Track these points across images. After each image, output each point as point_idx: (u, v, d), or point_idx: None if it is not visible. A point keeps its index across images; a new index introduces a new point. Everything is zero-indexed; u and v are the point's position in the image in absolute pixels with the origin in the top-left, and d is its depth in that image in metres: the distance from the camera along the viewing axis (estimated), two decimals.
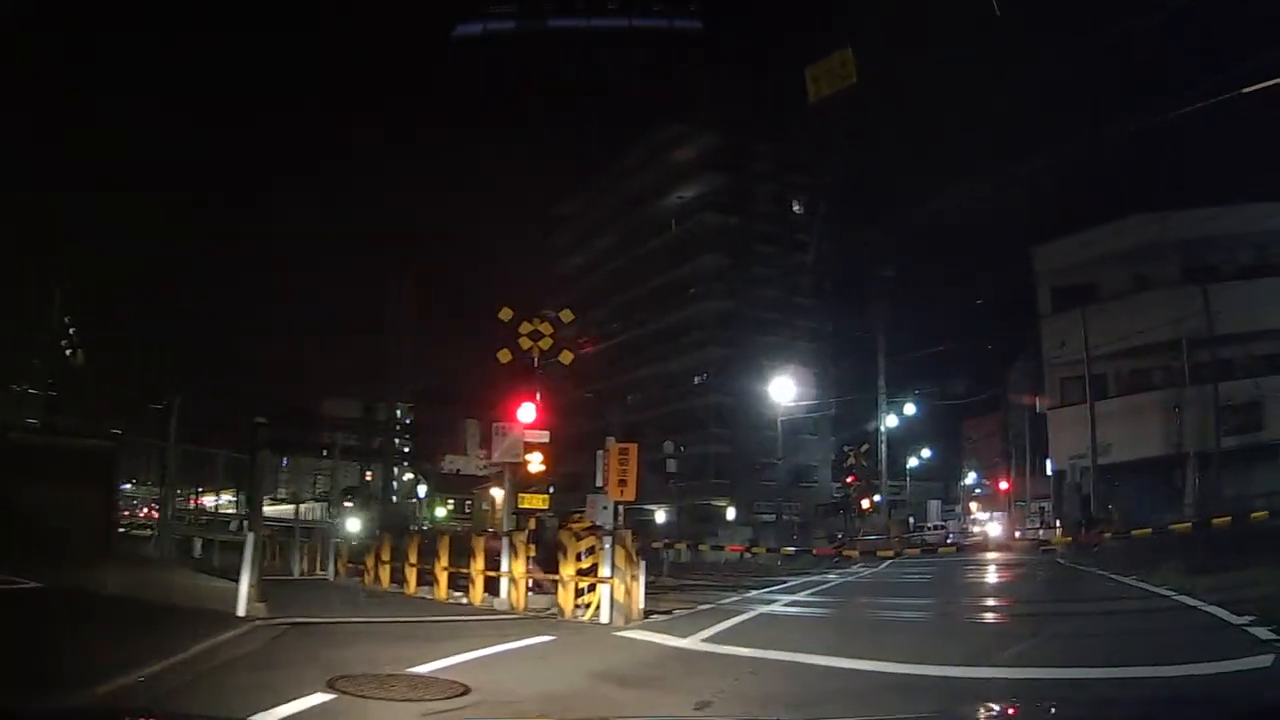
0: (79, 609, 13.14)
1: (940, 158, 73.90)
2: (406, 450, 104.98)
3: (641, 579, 16.23)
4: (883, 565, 34.83)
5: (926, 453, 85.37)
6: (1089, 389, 45.28)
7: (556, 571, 16.94)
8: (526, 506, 20.62)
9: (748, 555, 35.42)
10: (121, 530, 28.14)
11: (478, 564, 19.49)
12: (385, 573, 24.42)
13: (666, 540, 32.47)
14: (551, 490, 29.26)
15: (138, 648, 9.43)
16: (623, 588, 15.59)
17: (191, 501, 35.19)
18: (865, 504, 57.61)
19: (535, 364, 20.97)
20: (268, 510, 37.53)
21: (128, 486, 30.18)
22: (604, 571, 15.81)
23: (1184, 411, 42.74)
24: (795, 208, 76.91)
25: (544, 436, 20.15)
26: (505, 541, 18.70)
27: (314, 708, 7.86)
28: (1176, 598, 16.47)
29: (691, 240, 74.64)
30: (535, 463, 20.13)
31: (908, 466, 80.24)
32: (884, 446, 58.11)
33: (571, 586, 16.58)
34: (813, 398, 61.80)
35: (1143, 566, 22.23)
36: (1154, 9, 23.15)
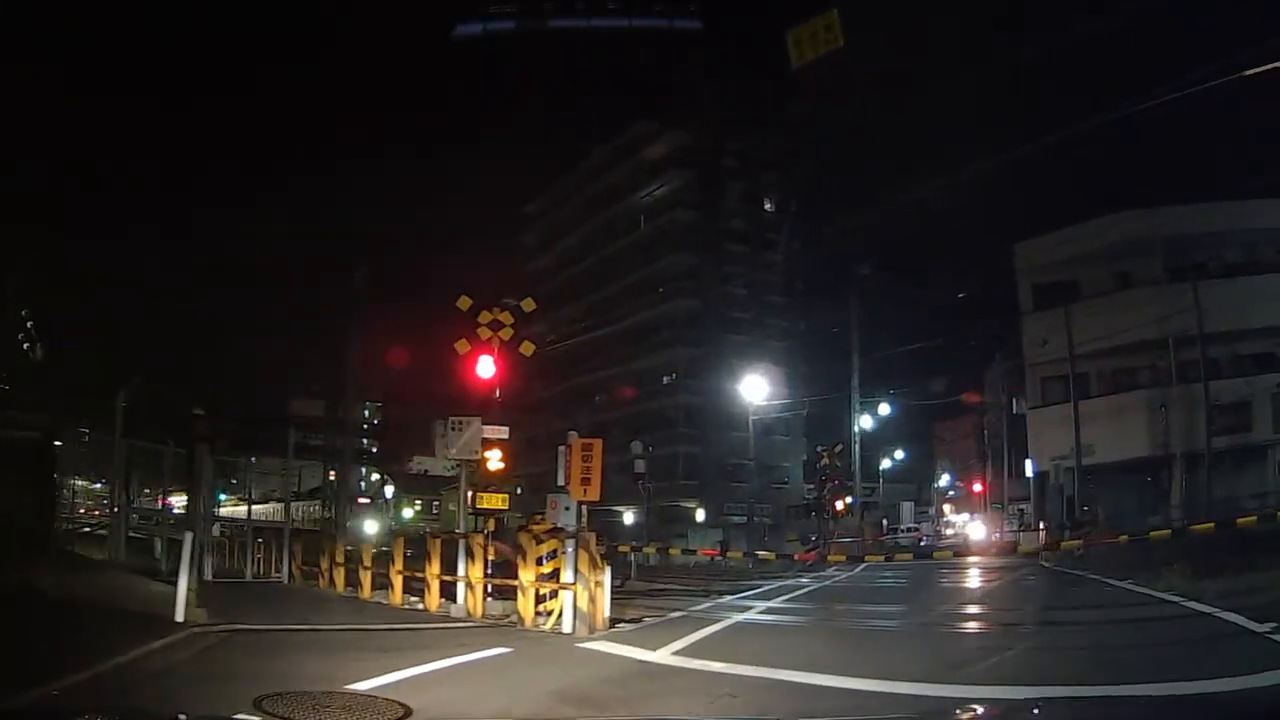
0: None
1: (918, 154, 73.25)
2: (374, 451, 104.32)
3: (607, 585, 15.16)
4: (859, 568, 33.88)
5: (900, 454, 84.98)
6: (1072, 388, 44.41)
7: (516, 576, 15.84)
8: (485, 507, 19.57)
9: (720, 560, 34.67)
10: (71, 529, 27.54)
11: (433, 568, 18.48)
12: (340, 576, 23.52)
13: (634, 544, 31.40)
14: (519, 491, 28.13)
15: (49, 659, 8.73)
16: (586, 595, 14.48)
17: (160, 501, 34.28)
18: (839, 506, 56.80)
19: (495, 356, 19.95)
20: (229, 511, 36.54)
21: (96, 485, 28.98)
22: (566, 577, 14.68)
23: (1170, 411, 41.89)
24: (767, 206, 76.40)
25: (503, 432, 19.15)
26: (462, 544, 17.68)
27: None
28: (1186, 604, 15.38)
29: (661, 238, 73.97)
30: (494, 460, 19.09)
31: (881, 468, 79.50)
32: (858, 447, 57.39)
33: (532, 593, 15.47)
34: (784, 397, 61.29)
35: (1138, 570, 21.27)
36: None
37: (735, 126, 72.54)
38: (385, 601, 20.09)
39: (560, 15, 24.63)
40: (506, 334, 19.86)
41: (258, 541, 31.52)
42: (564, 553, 14.95)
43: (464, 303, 19.95)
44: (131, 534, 27.69)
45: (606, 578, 15.17)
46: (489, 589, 17.53)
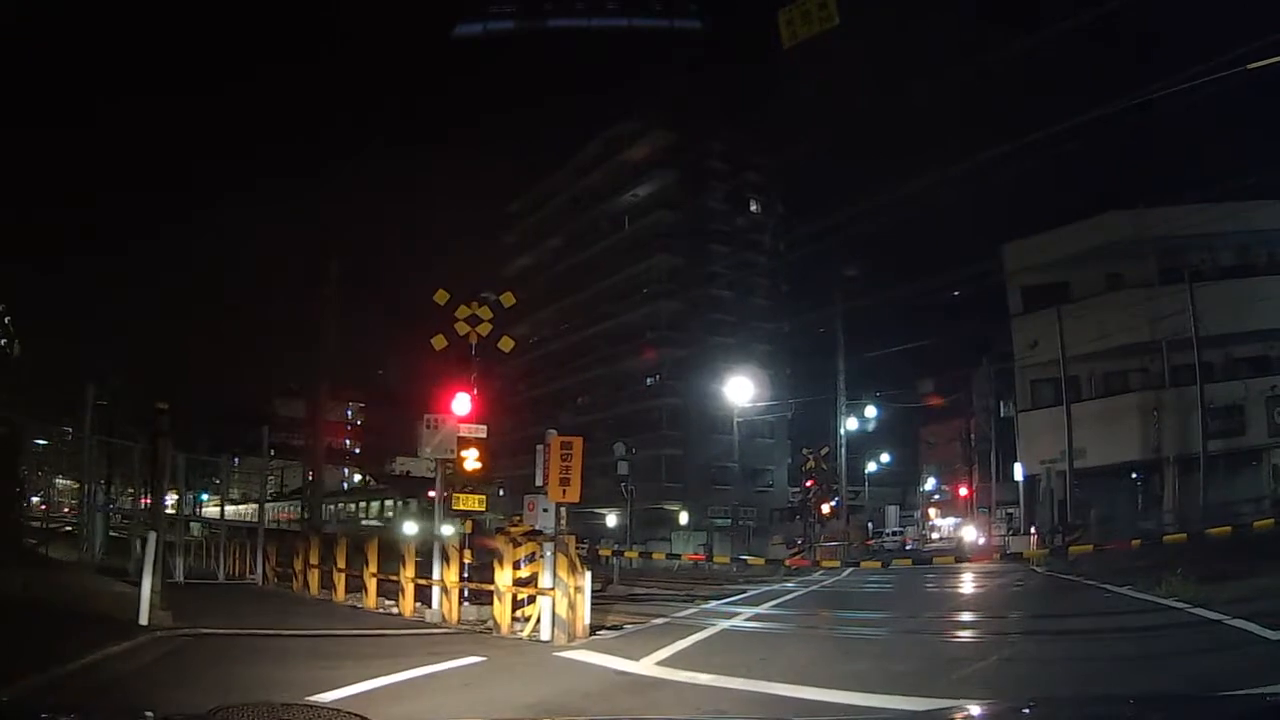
0: None
1: (904, 154, 73.11)
2: (357, 451, 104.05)
3: (587, 590, 14.48)
4: (846, 573, 33.35)
5: (885, 457, 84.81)
6: (1064, 391, 43.79)
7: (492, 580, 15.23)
8: (462, 508, 18.95)
9: (705, 564, 34.15)
10: (49, 528, 27.45)
11: (407, 570, 17.95)
12: (314, 578, 22.89)
13: (616, 547, 30.84)
14: (501, 493, 27.51)
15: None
16: (565, 600, 13.83)
17: (143, 500, 33.80)
18: (825, 509, 56.37)
19: (473, 351, 19.39)
20: (214, 512, 35.91)
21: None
22: (544, 582, 14.10)
23: (1162, 415, 41.36)
24: (752, 207, 75.85)
25: (481, 431, 18.54)
26: (437, 547, 17.09)
27: None
28: (1193, 611, 14.76)
29: (645, 239, 73.33)
30: (471, 460, 18.49)
31: (866, 471, 79.13)
32: (843, 450, 56.99)
33: (508, 598, 14.91)
34: (769, 400, 60.93)
35: (1135, 575, 20.70)
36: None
37: (720, 127, 72.22)
38: (360, 605, 19.65)
39: (560, 15, 24.57)
40: (484, 329, 19.33)
41: (233, 542, 30.73)
42: (542, 556, 14.37)
43: (441, 296, 19.41)
44: (113, 534, 27.19)
45: (587, 583, 14.49)
46: (465, 593, 17.00)
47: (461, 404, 18.57)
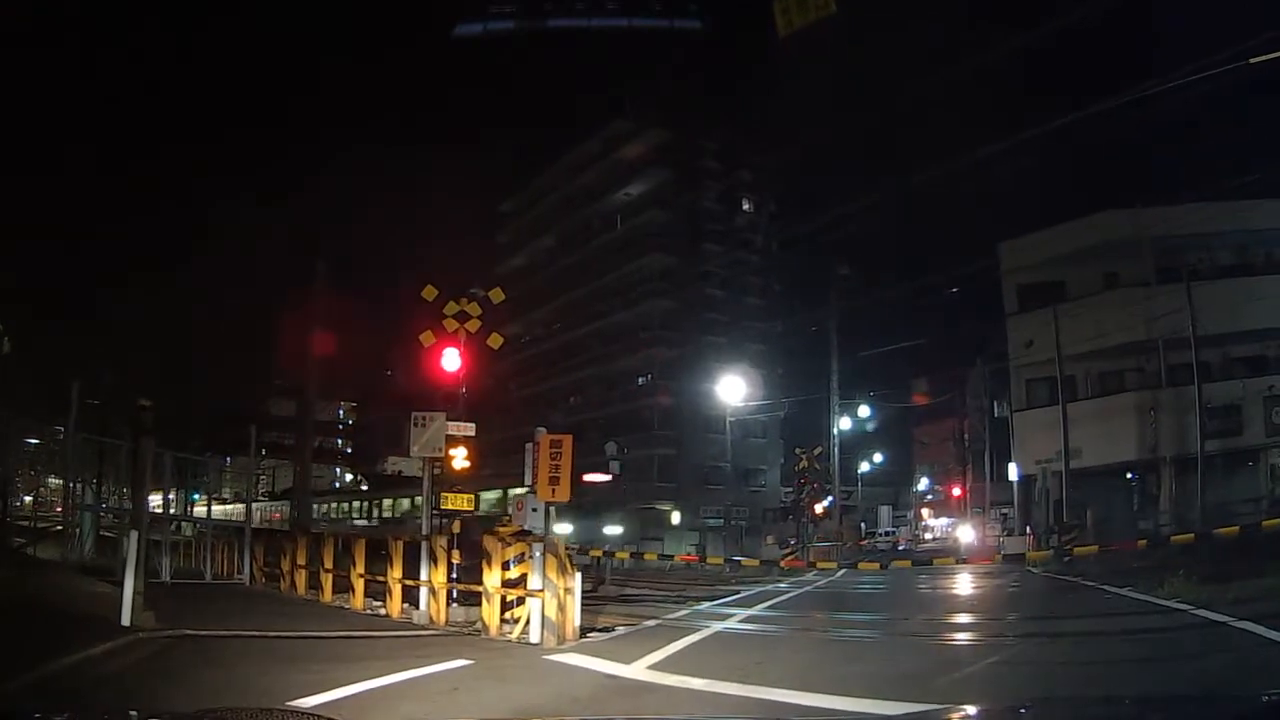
0: None
1: (899, 153, 73.01)
2: (349, 451, 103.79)
3: (577, 591, 14.25)
4: (839, 573, 33.15)
5: (878, 457, 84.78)
6: (1060, 390, 43.62)
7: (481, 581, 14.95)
8: (450, 507, 18.73)
9: (698, 564, 33.96)
10: (39, 528, 27.26)
11: (395, 571, 17.65)
12: (301, 578, 22.64)
13: (607, 548, 30.65)
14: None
15: None
16: (555, 602, 13.56)
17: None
18: (819, 509, 56.19)
19: (461, 348, 19.18)
20: (203, 511, 35.69)
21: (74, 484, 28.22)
22: (533, 584, 13.78)
23: (1159, 415, 41.24)
24: (745, 206, 75.88)
25: (469, 429, 18.32)
26: (424, 547, 16.80)
27: None
28: (1196, 613, 14.54)
29: (638, 238, 73.41)
30: (460, 458, 18.26)
31: (859, 471, 79.03)
32: (836, 450, 56.93)
33: (497, 600, 14.61)
34: (762, 399, 60.77)
35: (1136, 576, 20.48)
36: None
37: (714, 126, 72.36)
38: (347, 606, 19.35)
39: (560, 15, 24.57)
40: (474, 325, 19.11)
41: (221, 542, 30.50)
42: (531, 557, 14.06)
43: (429, 293, 19.24)
44: (104, 533, 26.97)
45: (577, 584, 14.26)
46: (454, 594, 16.73)
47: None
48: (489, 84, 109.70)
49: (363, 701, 8.97)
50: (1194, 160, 63.97)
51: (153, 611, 13.44)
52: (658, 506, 66.96)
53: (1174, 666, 10.61)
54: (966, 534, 62.49)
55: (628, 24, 25.63)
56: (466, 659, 11.85)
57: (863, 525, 70.69)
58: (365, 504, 73.74)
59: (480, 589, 15.00)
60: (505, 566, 14.64)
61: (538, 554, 13.82)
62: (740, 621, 17.91)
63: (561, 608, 13.71)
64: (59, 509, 30.22)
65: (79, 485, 27.45)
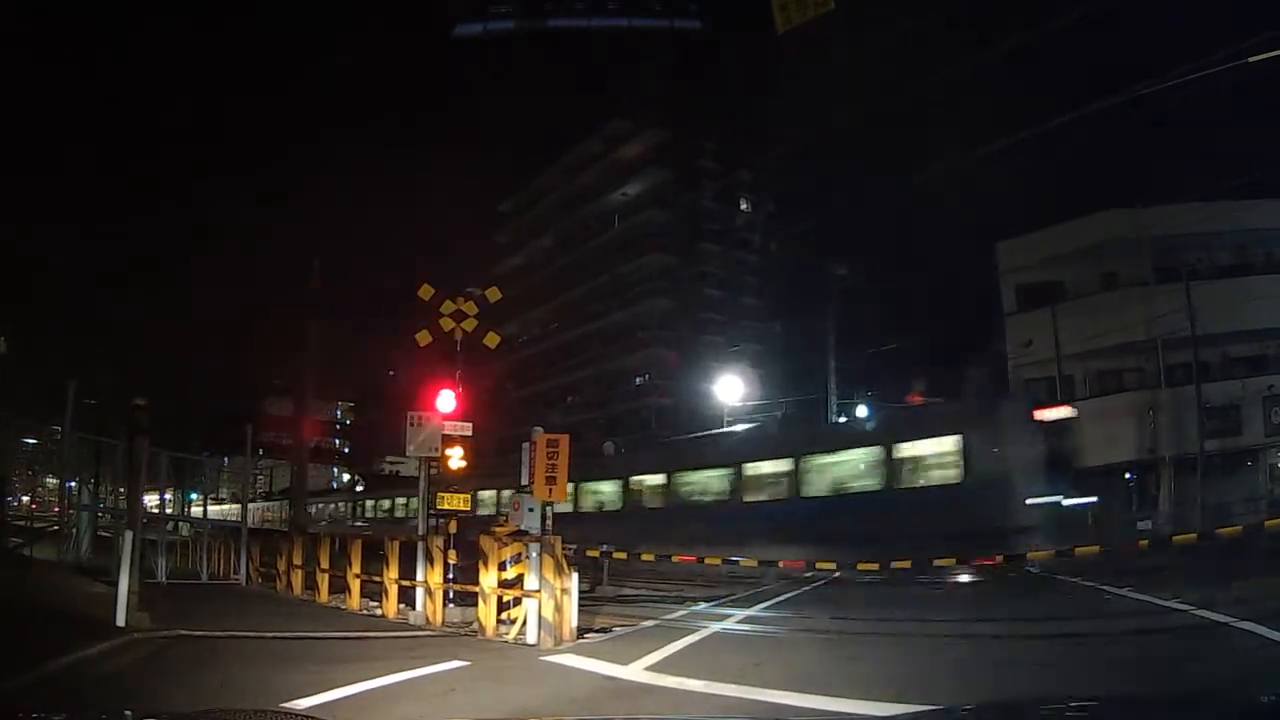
0: None
1: (898, 152, 72.73)
2: (346, 451, 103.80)
3: (574, 592, 14.15)
4: (838, 573, 32.98)
5: None
6: (1058, 390, 43.63)
7: (477, 581, 14.89)
8: (446, 508, 18.68)
9: (696, 564, 33.75)
10: (36, 527, 27.84)
11: (391, 572, 17.63)
12: (298, 578, 22.67)
13: (605, 548, 30.48)
14: None
15: None
16: (552, 603, 13.47)
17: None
18: None
19: (458, 348, 19.13)
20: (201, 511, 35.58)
21: (71, 484, 28.19)
22: (530, 584, 13.76)
23: (1158, 414, 41.21)
24: (743, 205, 75.95)
25: (466, 429, 18.29)
26: (420, 547, 16.77)
27: None
28: (1197, 613, 14.37)
29: (636, 238, 73.43)
30: (456, 458, 18.23)
31: None
32: None
33: (493, 600, 14.57)
34: (760, 399, 60.63)
35: (1136, 576, 20.32)
36: None
37: (712, 125, 72.34)
38: (343, 607, 19.43)
39: (560, 15, 24.61)
40: (470, 325, 19.06)
41: (217, 542, 30.44)
42: (528, 557, 14.02)
43: (425, 291, 19.22)
44: (102, 533, 26.91)
45: (574, 584, 14.16)
46: (450, 595, 16.71)
47: (446, 401, 18.31)
48: (489, 84, 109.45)
49: (359, 702, 8.93)
50: (1194, 160, 63.81)
51: (148, 612, 13.43)
52: None
53: (1175, 667, 10.53)
54: None
55: (628, 24, 25.70)
56: (463, 660, 11.79)
57: None
58: (362, 504, 73.49)
59: (477, 589, 14.95)
60: (502, 567, 14.62)
61: (534, 554, 13.76)
62: (738, 622, 17.80)
63: (558, 608, 13.61)
64: (56, 509, 30.23)
65: (76, 485, 27.38)
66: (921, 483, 30.71)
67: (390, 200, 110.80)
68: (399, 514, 62.57)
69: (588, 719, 8.86)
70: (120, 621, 12.66)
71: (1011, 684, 9.90)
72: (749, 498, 35.99)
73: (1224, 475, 39.32)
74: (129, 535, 13.72)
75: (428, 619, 16.44)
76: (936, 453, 30.46)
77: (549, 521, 14.86)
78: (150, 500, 35.65)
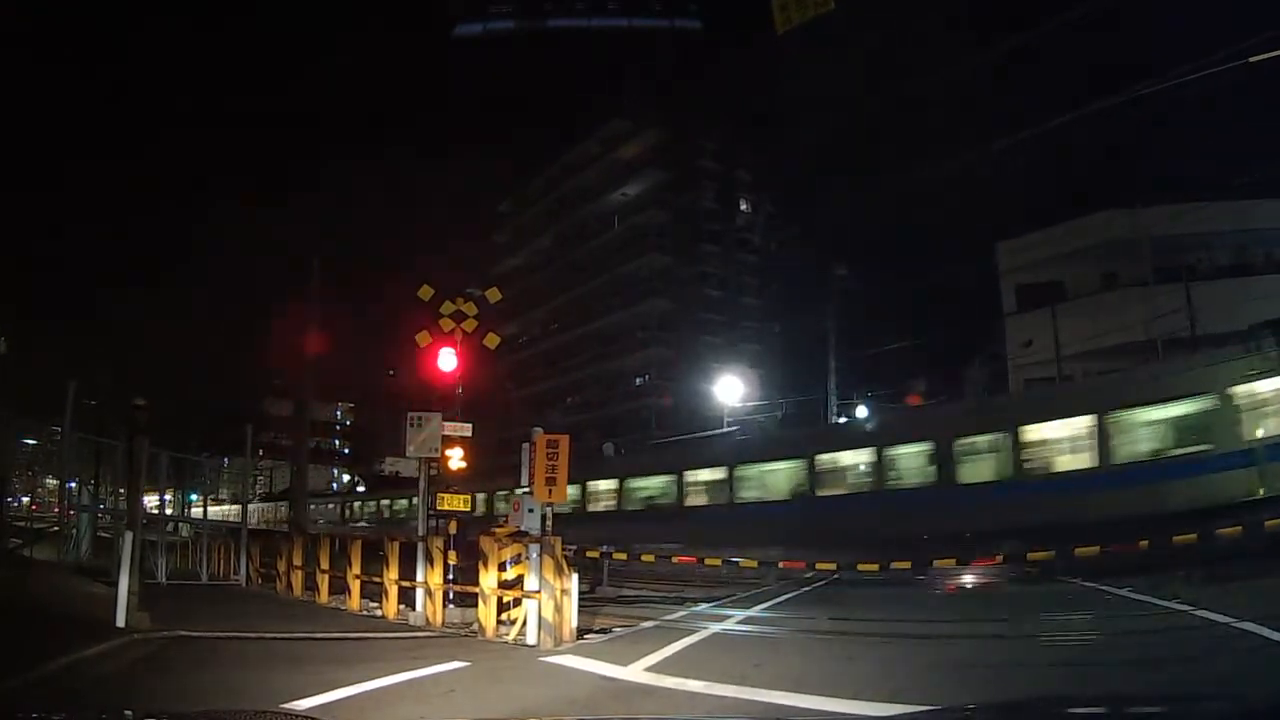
0: None
1: (897, 151, 72.71)
2: (346, 452, 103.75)
3: (574, 593, 14.16)
4: (837, 573, 32.93)
5: None
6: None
7: (477, 582, 14.87)
8: (446, 508, 18.67)
9: (696, 565, 33.72)
10: (37, 528, 27.16)
11: (390, 572, 17.60)
12: (298, 579, 22.62)
13: (605, 549, 30.45)
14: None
15: None
16: (552, 603, 13.48)
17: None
18: None
19: (458, 348, 19.13)
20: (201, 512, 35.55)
21: (71, 484, 28.17)
22: (530, 584, 13.76)
23: None
24: (743, 206, 75.84)
25: (466, 429, 18.29)
26: (421, 548, 16.76)
27: None
28: (1197, 613, 14.37)
29: (635, 238, 73.50)
30: (456, 458, 18.24)
31: None
32: None
33: (493, 601, 14.55)
34: (759, 399, 60.60)
35: (1134, 576, 20.29)
36: None
37: (712, 125, 72.33)
38: (343, 607, 19.38)
39: (560, 15, 24.62)
40: (470, 325, 19.06)
41: (217, 543, 30.42)
42: (528, 558, 14.01)
43: (425, 292, 19.21)
44: (102, 534, 26.90)
45: (574, 585, 14.18)
46: (450, 595, 16.71)
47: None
48: (488, 84, 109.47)
49: (359, 703, 8.92)
50: (1194, 160, 63.78)
51: (148, 612, 13.44)
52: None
53: (1175, 667, 10.50)
54: None
55: (628, 24, 25.70)
56: (463, 660, 11.78)
57: None
58: (363, 505, 73.50)
59: (477, 590, 14.94)
60: (502, 567, 14.60)
61: (534, 555, 13.75)
62: (738, 623, 17.78)
63: (558, 609, 13.62)
64: (56, 510, 30.23)
65: (76, 486, 27.36)
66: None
67: (390, 200, 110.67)
68: (395, 515, 62.72)
69: (588, 719, 8.78)
70: (120, 622, 12.67)
71: (1011, 684, 9.89)
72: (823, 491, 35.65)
73: None
74: (129, 536, 13.71)
75: (428, 620, 16.41)
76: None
77: (549, 522, 14.86)
78: (150, 501, 35.67)
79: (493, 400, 57.61)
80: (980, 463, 32.42)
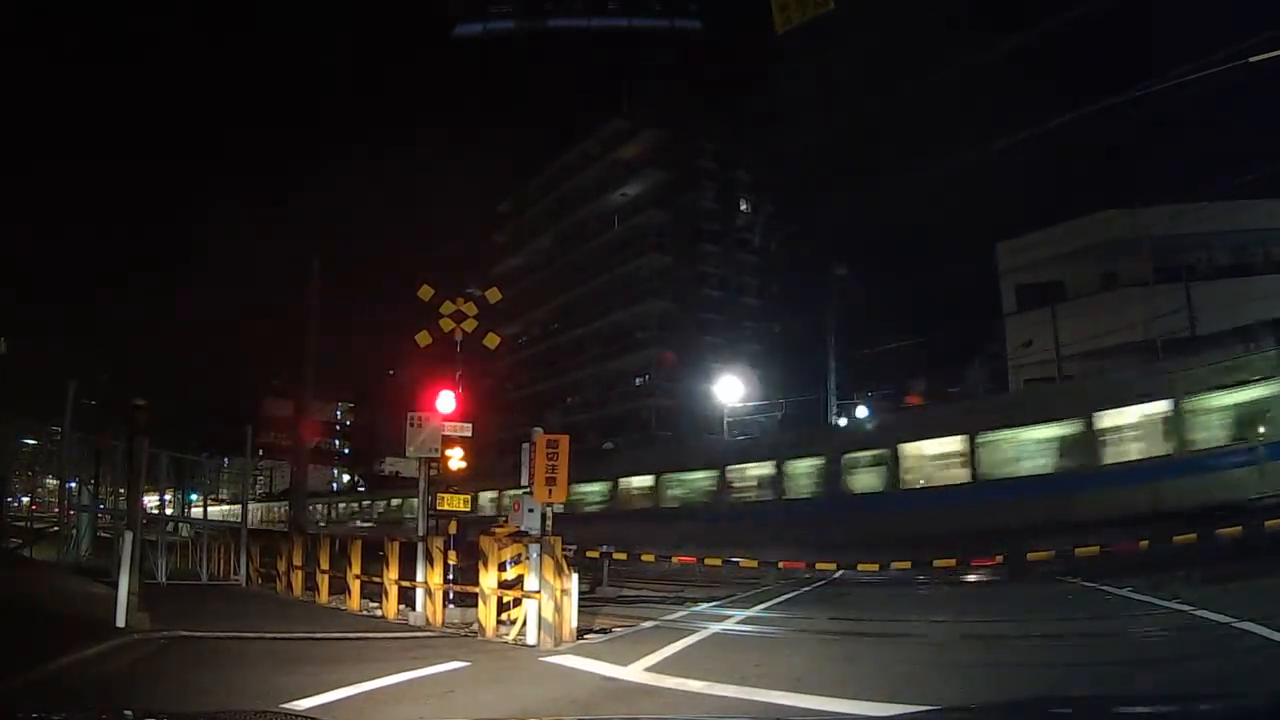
0: None
1: (897, 152, 72.76)
2: (346, 452, 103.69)
3: (574, 593, 14.13)
4: (838, 573, 32.90)
5: None
6: None
7: (477, 582, 14.85)
8: (446, 509, 18.64)
9: (696, 565, 33.74)
10: (37, 528, 27.69)
11: (391, 572, 17.58)
12: (298, 579, 22.61)
13: (605, 549, 30.42)
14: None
15: None
16: (552, 604, 13.45)
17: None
18: None
19: (458, 348, 19.10)
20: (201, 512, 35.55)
21: (71, 485, 28.16)
22: (530, 584, 13.73)
23: None
24: (743, 206, 75.75)
25: (466, 430, 18.27)
26: (420, 548, 16.75)
27: None
28: (1197, 613, 14.37)
29: (635, 238, 73.46)
30: (456, 459, 18.21)
31: None
32: None
33: (493, 601, 14.53)
34: (759, 399, 60.58)
35: (1134, 576, 20.28)
36: None
37: (711, 125, 72.23)
38: (343, 607, 19.38)
39: (560, 15, 24.63)
40: (470, 325, 19.04)
41: (217, 543, 30.40)
42: (528, 558, 13.99)
43: (425, 292, 19.18)
44: (103, 533, 26.89)
45: (574, 585, 14.15)
46: (450, 596, 16.70)
47: (445, 402, 18.27)
48: (488, 84, 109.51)
49: (358, 704, 8.89)
50: (1194, 160, 63.90)
51: (148, 613, 13.44)
52: None
53: (1175, 667, 10.47)
54: None
55: (628, 24, 25.71)
56: (463, 661, 11.76)
57: None
58: (363, 505, 73.51)
59: (477, 590, 14.93)
60: (502, 568, 14.58)
61: (534, 555, 13.73)
62: (738, 623, 17.76)
63: (558, 609, 13.60)
64: (56, 510, 30.22)
65: (76, 486, 27.35)
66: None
67: (390, 200, 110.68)
68: (395, 515, 62.72)
69: (588, 719, 8.77)
70: (120, 622, 12.65)
71: (1011, 684, 9.86)
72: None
73: None
74: (129, 536, 13.70)
75: (428, 620, 16.40)
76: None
77: (549, 522, 14.85)
78: (150, 501, 35.67)
79: (493, 400, 57.60)
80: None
